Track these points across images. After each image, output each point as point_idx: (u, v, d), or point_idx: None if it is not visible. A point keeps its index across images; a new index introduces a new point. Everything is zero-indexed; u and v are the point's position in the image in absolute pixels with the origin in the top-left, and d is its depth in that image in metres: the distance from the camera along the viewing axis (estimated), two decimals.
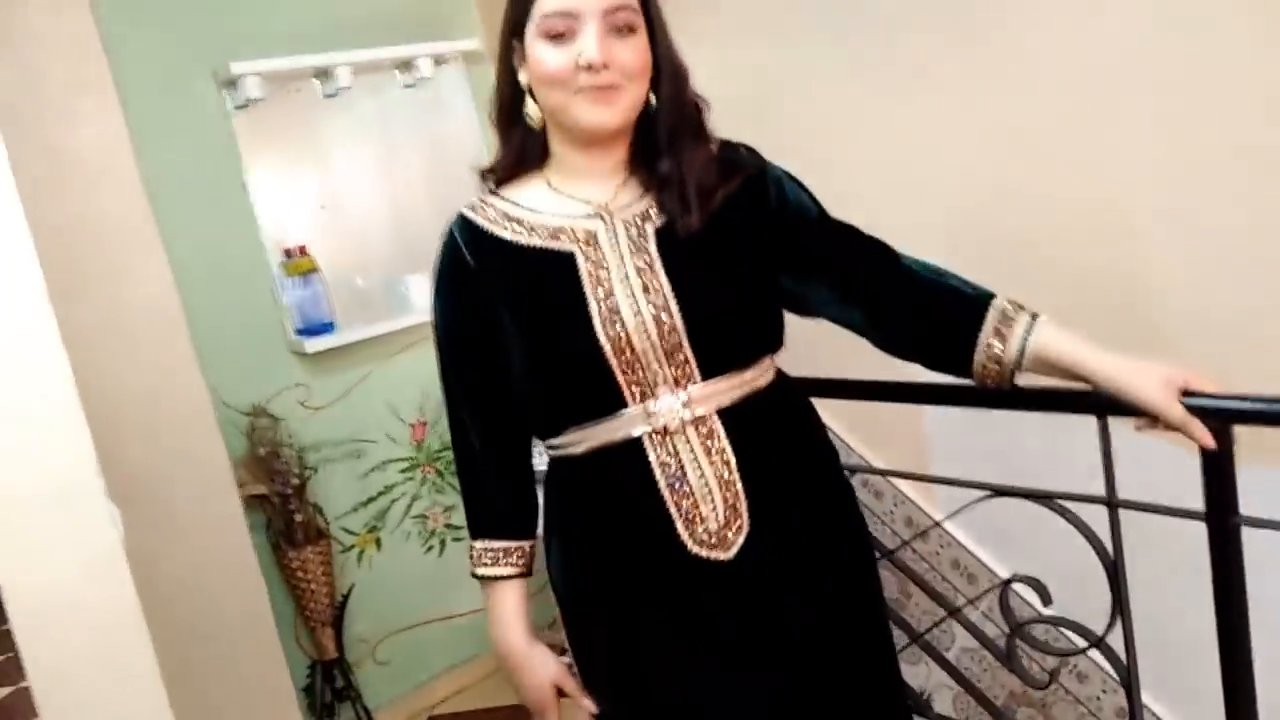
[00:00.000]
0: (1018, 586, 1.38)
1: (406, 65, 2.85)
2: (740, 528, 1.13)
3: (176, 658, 1.85)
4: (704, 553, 1.13)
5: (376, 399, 2.88)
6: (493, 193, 1.22)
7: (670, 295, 1.11)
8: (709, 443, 1.14)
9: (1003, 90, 1.81)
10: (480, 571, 1.25)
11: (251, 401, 2.62)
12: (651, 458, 1.14)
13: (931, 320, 1.18)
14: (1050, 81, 1.73)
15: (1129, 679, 1.29)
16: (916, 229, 1.95)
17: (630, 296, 1.12)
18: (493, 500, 1.27)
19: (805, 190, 1.24)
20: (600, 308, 1.11)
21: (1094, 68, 1.66)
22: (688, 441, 1.13)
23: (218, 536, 2.40)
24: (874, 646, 1.24)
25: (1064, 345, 1.11)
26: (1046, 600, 1.30)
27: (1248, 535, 1.11)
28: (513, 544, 1.25)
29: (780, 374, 1.24)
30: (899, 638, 1.40)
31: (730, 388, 1.15)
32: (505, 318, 1.17)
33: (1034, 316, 1.13)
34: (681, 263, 1.13)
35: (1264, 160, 1.47)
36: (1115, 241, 1.70)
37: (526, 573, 1.26)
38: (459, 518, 3.00)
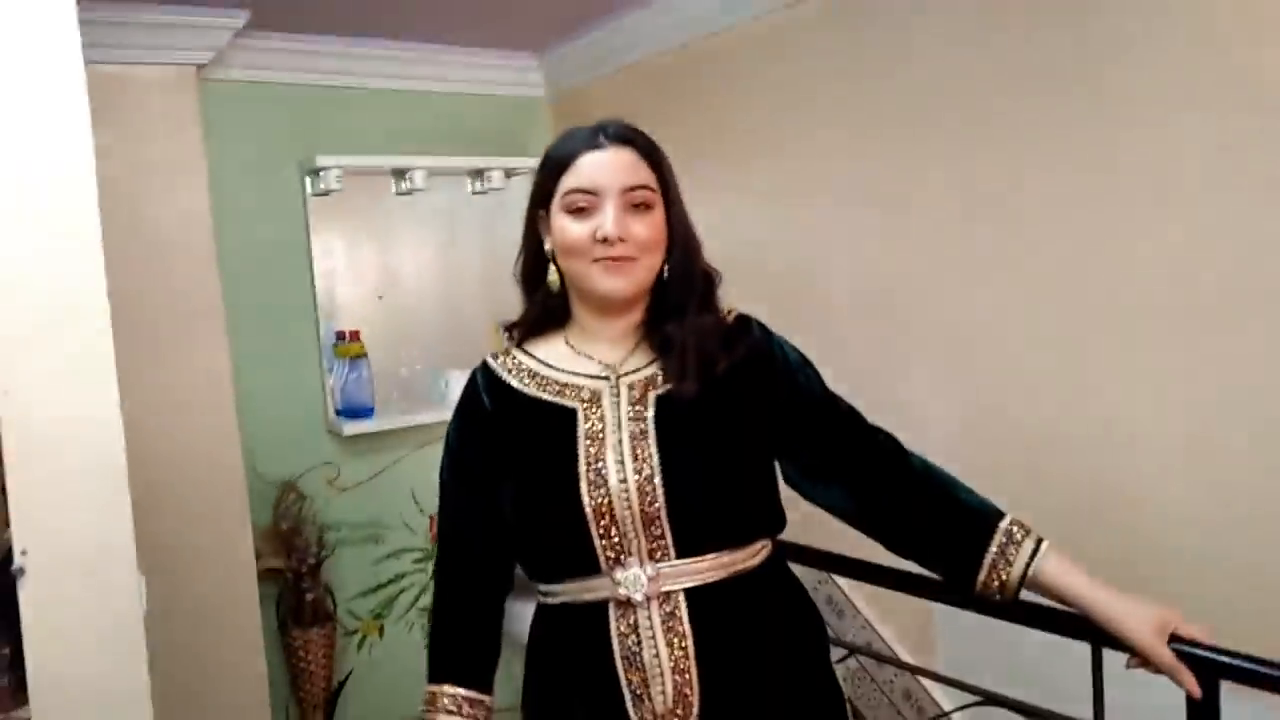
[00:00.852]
0: None
1: (479, 174, 3.00)
2: (688, 713, 1.12)
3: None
4: None
5: (402, 486, 2.94)
6: (518, 346, 1.27)
7: (657, 466, 1.12)
8: (670, 623, 1.12)
9: (1034, 295, 1.87)
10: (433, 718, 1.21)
11: (283, 476, 2.69)
12: (612, 627, 1.14)
13: (936, 532, 1.19)
14: (1079, 292, 1.79)
15: None
16: (931, 409, 2.03)
17: (619, 462, 1.13)
18: (464, 646, 1.25)
19: (812, 370, 1.26)
20: (588, 469, 1.13)
21: (1121, 287, 1.72)
22: (649, 617, 1.12)
23: (230, 609, 2.45)
24: None
25: (1064, 577, 1.13)
26: None
27: None
28: (476, 695, 1.22)
29: (776, 558, 1.23)
30: None
31: (708, 568, 1.13)
32: (507, 464, 1.20)
33: (1039, 543, 1.15)
34: (677, 434, 1.14)
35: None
36: (1127, 460, 1.74)
37: None
38: None
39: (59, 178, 1.52)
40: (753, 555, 1.18)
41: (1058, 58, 1.76)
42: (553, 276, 1.21)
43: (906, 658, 2.13)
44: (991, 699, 1.35)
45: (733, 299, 1.28)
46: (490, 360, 1.28)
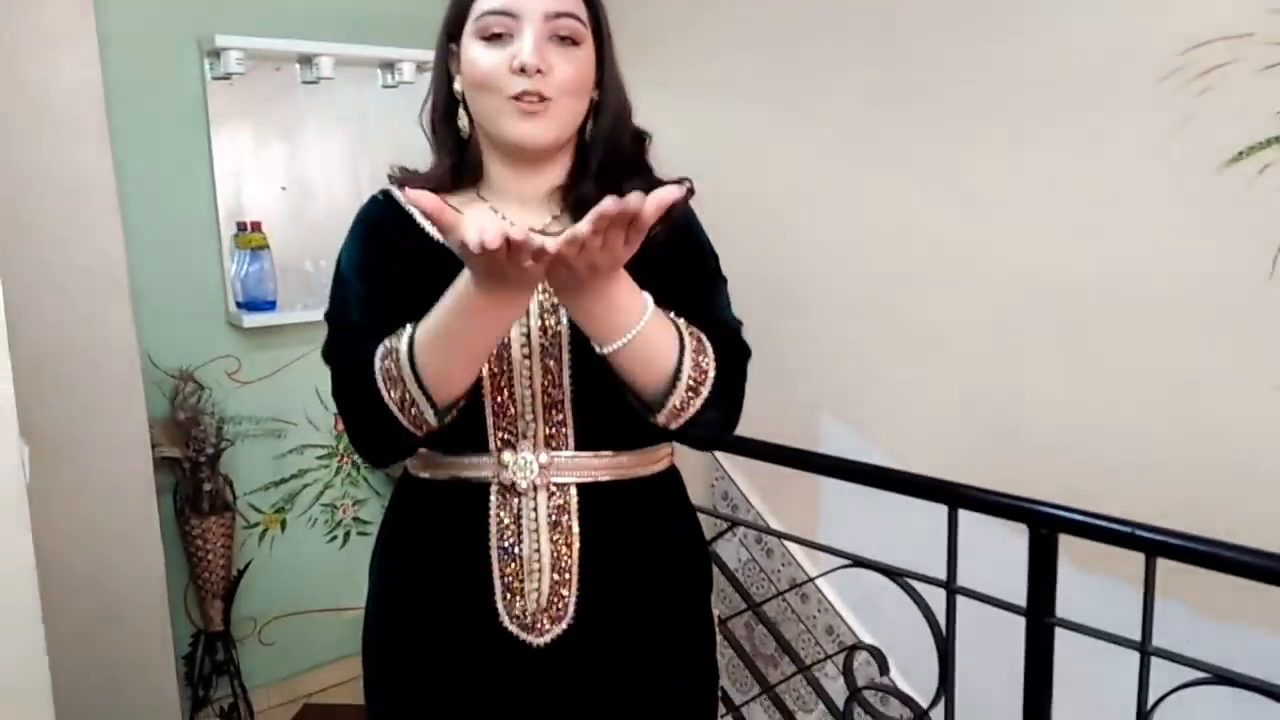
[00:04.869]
0: (865, 653, 1.48)
1: (389, 66, 2.93)
2: (561, 616, 1.04)
3: (63, 604, 1.86)
4: (516, 630, 1.05)
5: (305, 383, 2.91)
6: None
7: (566, 345, 1.02)
8: (558, 516, 1.04)
9: (1013, 276, 1.87)
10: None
11: (180, 366, 2.65)
12: (492, 513, 1.05)
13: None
14: (1058, 279, 1.80)
15: None
16: (899, 379, 2.08)
17: (524, 334, 1.03)
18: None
19: (714, 262, 1.12)
20: None
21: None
22: (534, 509, 1.04)
23: (124, 491, 2.41)
24: None
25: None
26: (884, 669, 1.40)
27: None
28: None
29: (672, 473, 1.15)
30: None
31: (602, 466, 1.05)
32: (407, 305, 1.00)
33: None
34: None
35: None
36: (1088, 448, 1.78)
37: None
38: (367, 512, 3.05)
39: None
40: (651, 463, 1.10)
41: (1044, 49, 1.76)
42: (462, 121, 1.08)
43: (791, 547, 2.23)
44: (857, 562, 1.43)
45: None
46: (394, 191, 1.12)
